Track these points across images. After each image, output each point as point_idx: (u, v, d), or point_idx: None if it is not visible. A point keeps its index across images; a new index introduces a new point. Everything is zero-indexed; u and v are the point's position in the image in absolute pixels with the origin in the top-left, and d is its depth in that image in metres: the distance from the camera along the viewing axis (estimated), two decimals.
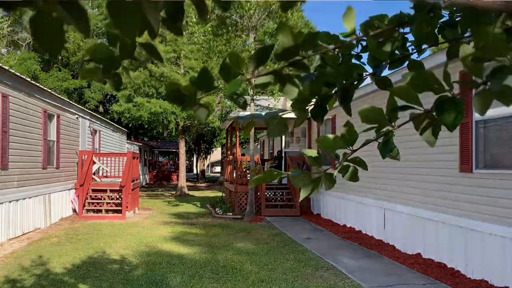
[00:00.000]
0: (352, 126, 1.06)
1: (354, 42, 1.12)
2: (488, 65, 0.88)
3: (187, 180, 33.48)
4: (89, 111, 16.90)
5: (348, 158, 1.08)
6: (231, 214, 14.17)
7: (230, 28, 13.51)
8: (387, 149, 1.04)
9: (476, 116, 6.67)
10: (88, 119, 16.62)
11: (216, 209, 15.60)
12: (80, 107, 15.65)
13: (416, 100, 0.94)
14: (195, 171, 45.97)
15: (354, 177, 1.10)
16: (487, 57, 0.87)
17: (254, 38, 13.47)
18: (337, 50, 1.08)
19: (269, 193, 14.87)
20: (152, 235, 10.32)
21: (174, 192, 24.75)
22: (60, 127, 13.24)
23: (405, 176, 8.72)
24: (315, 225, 12.06)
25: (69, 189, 13.96)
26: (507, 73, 0.86)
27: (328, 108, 1.23)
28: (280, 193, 14.91)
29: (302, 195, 1.05)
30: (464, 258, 6.82)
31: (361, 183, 10.85)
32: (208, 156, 43.71)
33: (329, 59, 1.09)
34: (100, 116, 18.86)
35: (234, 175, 14.99)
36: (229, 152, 18.04)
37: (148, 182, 33.79)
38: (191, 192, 24.97)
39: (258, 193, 14.16)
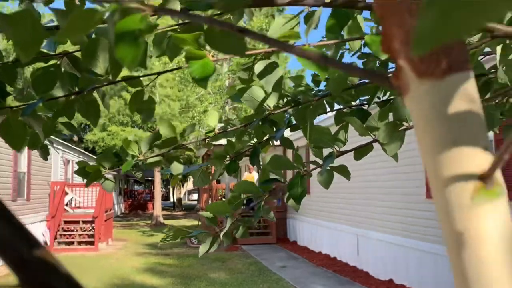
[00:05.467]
0: (239, 194, 1.23)
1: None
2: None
3: (164, 209, 33.03)
4: (61, 141, 16.68)
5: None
6: None
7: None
8: (258, 215, 1.23)
9: None
10: (61, 149, 16.39)
11: (192, 238, 15.41)
12: (53, 137, 15.43)
13: (280, 175, 1.18)
14: (171, 199, 45.36)
15: (245, 234, 1.26)
16: (323, 146, 1.10)
17: (228, 68, 13.72)
18: (207, 140, 1.35)
19: None
20: (125, 266, 10.12)
21: (149, 222, 24.35)
22: (31, 158, 13.01)
23: (376, 202, 8.90)
24: (291, 253, 12.05)
25: (40, 221, 13.60)
26: (331, 160, 1.09)
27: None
28: (258, 221, 14.87)
29: (202, 250, 1.19)
30: (435, 284, 6.94)
31: (335, 209, 10.98)
32: (185, 184, 43.28)
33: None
34: (73, 146, 18.62)
35: (210, 203, 14.94)
36: None
37: (123, 211, 33.17)
38: (167, 221, 24.61)
39: None
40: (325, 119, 9.60)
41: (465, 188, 0.28)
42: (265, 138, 1.57)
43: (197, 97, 20.15)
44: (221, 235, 1.18)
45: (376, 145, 1.29)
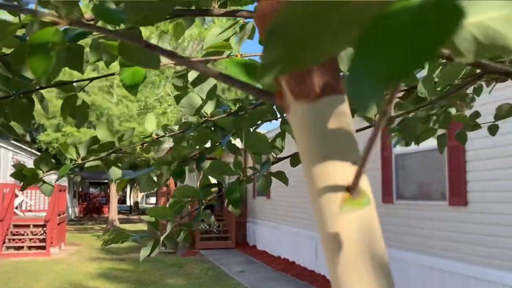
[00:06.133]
0: (180, 198, 1.24)
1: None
2: None
3: (120, 213, 32.29)
4: (12, 141, 15.99)
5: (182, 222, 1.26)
6: (163, 248, 13.79)
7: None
8: (198, 219, 1.24)
9: (396, 150, 7.17)
10: (11, 150, 15.70)
11: None
12: (1, 138, 14.78)
13: (222, 179, 1.19)
14: (128, 203, 44.36)
15: (187, 238, 1.27)
16: (261, 152, 1.13)
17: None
18: (145, 145, 1.34)
19: (205, 225, 14.71)
20: (78, 272, 9.81)
21: (104, 226, 23.72)
22: None
23: None
24: (250, 257, 12.07)
25: None
26: (267, 166, 1.14)
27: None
28: (217, 225, 14.80)
29: (142, 254, 1.17)
30: None
31: (294, 213, 11.10)
32: None
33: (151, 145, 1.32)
34: (25, 147, 17.89)
35: None
36: None
37: (77, 215, 32.14)
38: (123, 226, 24.06)
39: None
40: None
41: (334, 198, 0.31)
42: (216, 143, 1.58)
43: (156, 99, 19.86)
44: (161, 239, 1.18)
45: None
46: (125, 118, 18.57)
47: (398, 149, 7.15)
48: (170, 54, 0.36)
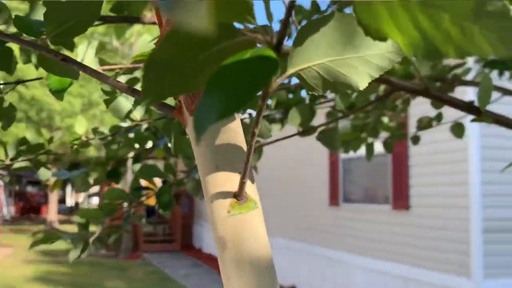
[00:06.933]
0: (113, 201, 1.26)
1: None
2: None
3: (60, 213, 30.96)
4: None
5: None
6: (104, 250, 13.41)
7: (110, 54, 13.34)
8: (127, 221, 1.26)
9: (343, 154, 7.40)
10: None
11: None
12: None
13: (151, 182, 1.22)
14: (69, 203, 42.58)
15: (118, 241, 1.25)
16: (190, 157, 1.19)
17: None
18: (75, 147, 1.31)
19: (149, 227, 14.43)
20: (12, 275, 9.30)
21: (43, 227, 22.65)
22: None
23: (282, 210, 9.19)
24: (195, 260, 11.98)
25: None
26: (195, 171, 1.20)
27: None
28: (162, 227, 14.56)
29: (72, 256, 1.17)
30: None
31: None
32: None
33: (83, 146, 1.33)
34: None
35: None
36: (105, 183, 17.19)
37: (13, 215, 30.45)
38: (62, 227, 23.08)
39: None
40: None
41: (223, 204, 0.36)
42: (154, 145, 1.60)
43: (101, 95, 19.21)
44: (90, 241, 1.18)
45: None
46: (67, 114, 17.81)
47: (345, 154, 7.32)
48: (84, 68, 0.38)
